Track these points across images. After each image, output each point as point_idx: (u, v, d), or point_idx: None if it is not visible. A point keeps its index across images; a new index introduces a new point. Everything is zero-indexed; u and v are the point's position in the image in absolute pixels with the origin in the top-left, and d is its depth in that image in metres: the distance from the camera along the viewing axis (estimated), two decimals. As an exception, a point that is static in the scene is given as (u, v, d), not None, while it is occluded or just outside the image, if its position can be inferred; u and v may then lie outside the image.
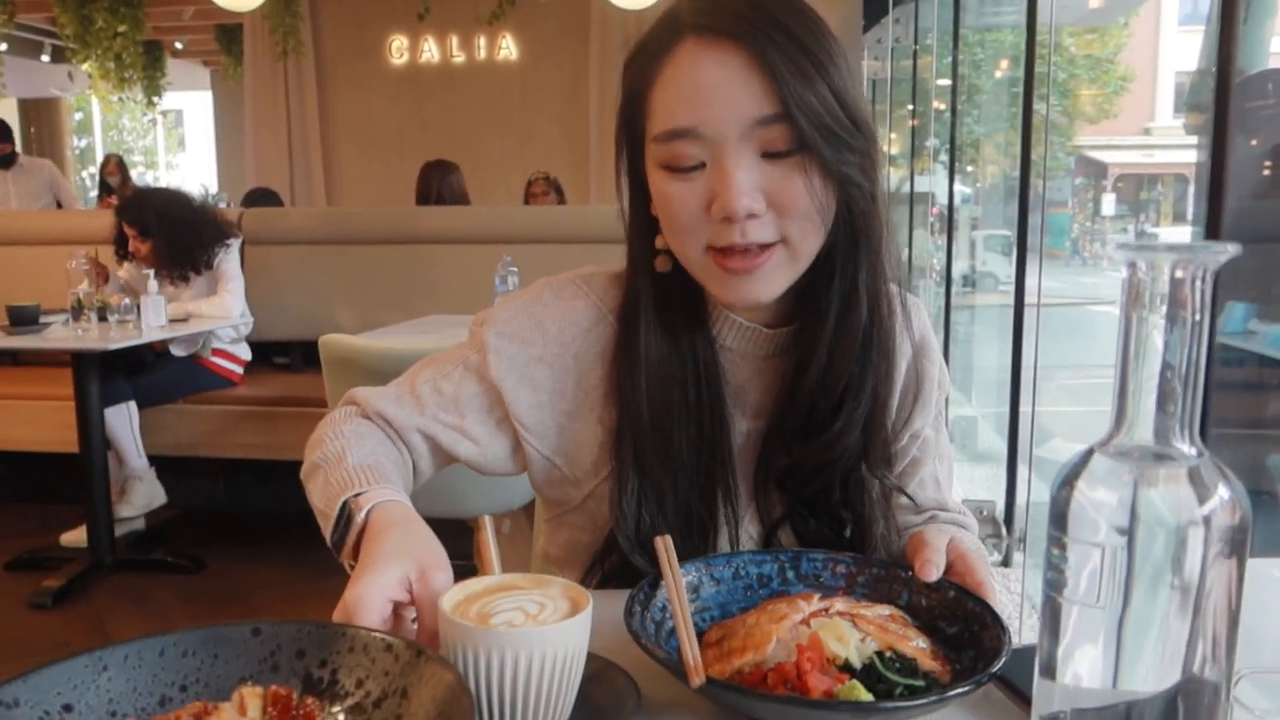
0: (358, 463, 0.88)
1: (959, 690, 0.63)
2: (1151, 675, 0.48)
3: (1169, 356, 0.47)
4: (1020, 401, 3.40)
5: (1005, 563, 3.11)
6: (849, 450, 0.94)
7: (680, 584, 0.75)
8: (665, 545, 0.80)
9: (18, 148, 7.26)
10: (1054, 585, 0.50)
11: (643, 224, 0.94)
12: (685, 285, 0.93)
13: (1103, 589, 0.48)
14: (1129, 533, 0.46)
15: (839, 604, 0.75)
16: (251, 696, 0.58)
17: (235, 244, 3.88)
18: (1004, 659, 0.67)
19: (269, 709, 0.58)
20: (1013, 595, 2.81)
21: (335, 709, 0.60)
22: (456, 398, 0.98)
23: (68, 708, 0.57)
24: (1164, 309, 0.47)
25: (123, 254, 3.75)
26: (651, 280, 0.95)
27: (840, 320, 0.92)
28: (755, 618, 0.73)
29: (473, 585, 0.68)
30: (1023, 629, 2.44)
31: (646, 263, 0.94)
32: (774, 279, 0.88)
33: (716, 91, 0.82)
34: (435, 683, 0.58)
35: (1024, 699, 0.70)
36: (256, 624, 0.63)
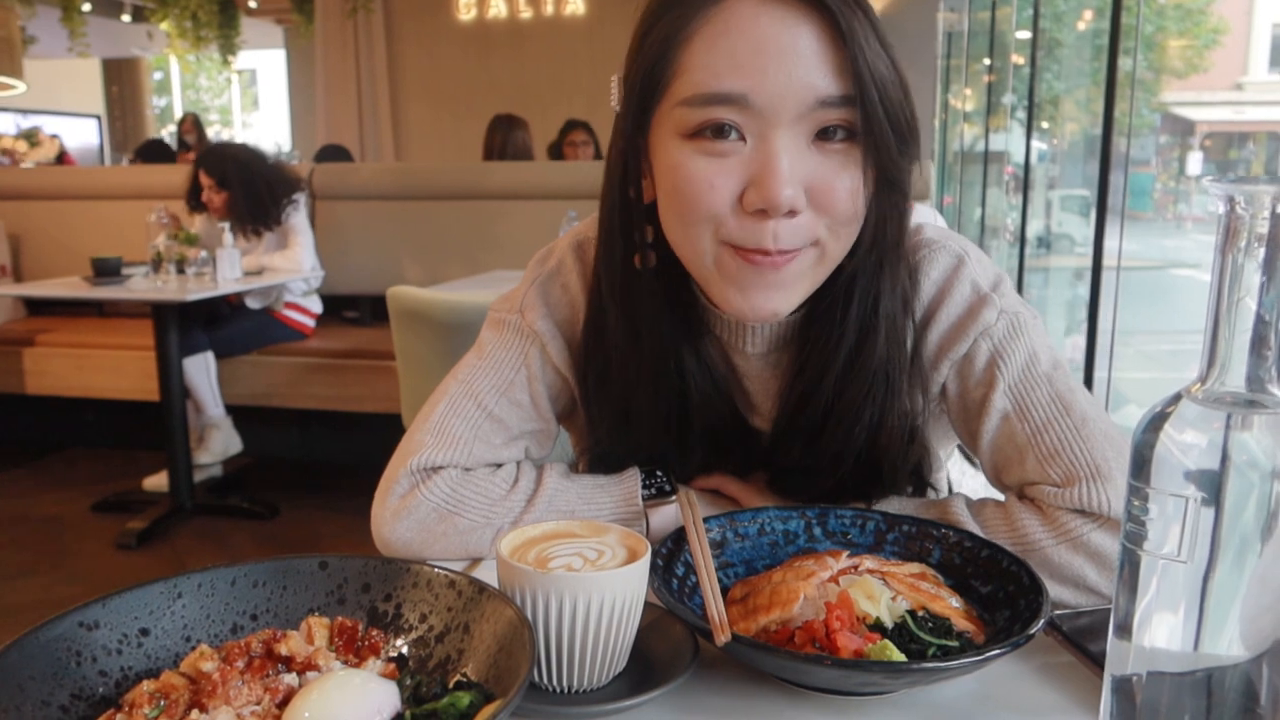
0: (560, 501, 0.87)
1: (996, 651, 0.60)
2: (1237, 639, 0.46)
3: (1265, 298, 0.44)
4: (1095, 367, 3.30)
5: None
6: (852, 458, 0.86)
7: (704, 539, 0.73)
8: (689, 499, 0.78)
9: (101, 110, 7.42)
10: (1133, 538, 0.48)
11: (625, 208, 0.81)
12: (670, 281, 0.83)
13: (1185, 542, 0.46)
14: (1218, 482, 0.44)
15: (868, 561, 0.72)
16: (319, 626, 0.59)
17: (302, 199, 3.95)
18: (1043, 620, 0.63)
19: (335, 639, 0.59)
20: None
21: (399, 641, 0.61)
22: (535, 402, 0.92)
23: (144, 631, 0.59)
24: (1261, 249, 0.44)
25: (195, 204, 3.84)
26: (627, 280, 0.83)
27: (853, 354, 0.82)
28: (781, 575, 0.71)
29: (531, 531, 0.68)
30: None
31: (624, 257, 0.83)
32: (798, 286, 0.77)
33: (780, 58, 0.70)
34: (497, 618, 0.58)
35: (1092, 659, 0.68)
36: (324, 558, 0.65)
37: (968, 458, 1.29)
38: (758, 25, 0.71)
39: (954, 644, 0.65)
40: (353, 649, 0.59)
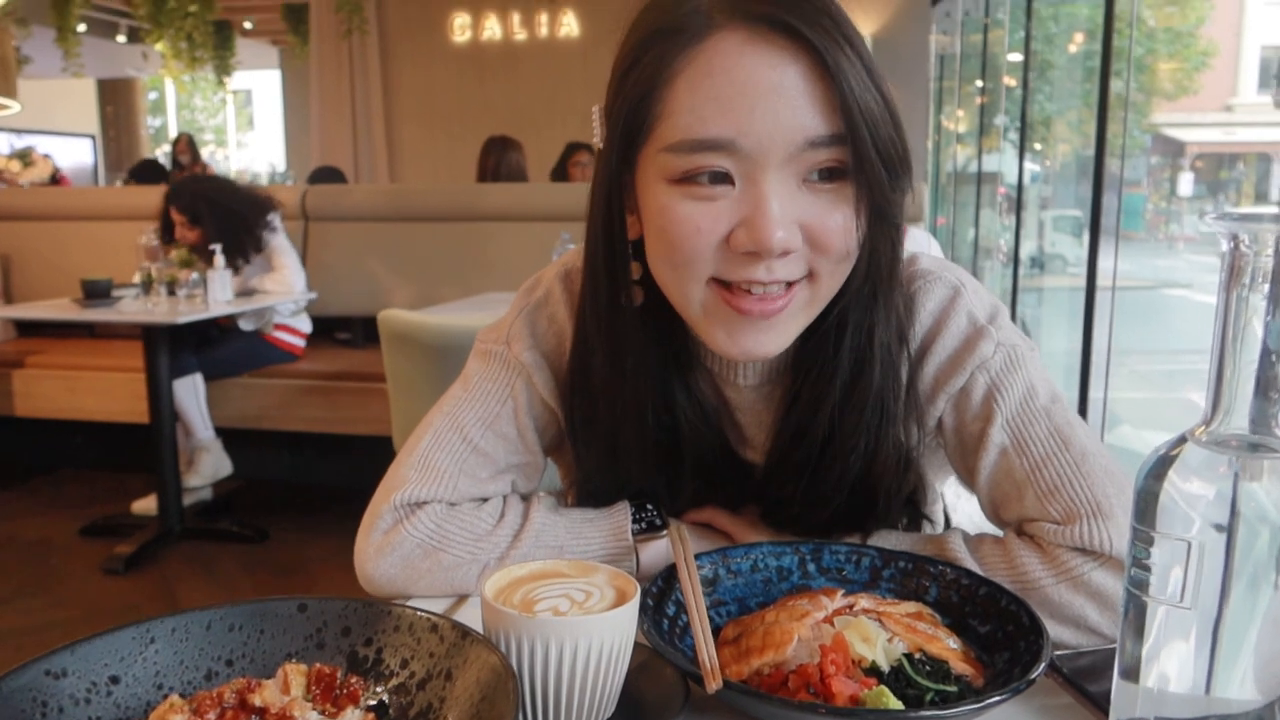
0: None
1: (995, 698, 0.58)
2: (1250, 685, 0.44)
3: (1271, 339, 0.43)
4: (1090, 387, 3.29)
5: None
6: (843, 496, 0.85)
7: (695, 576, 0.71)
8: (680, 535, 0.76)
9: (96, 130, 7.44)
10: (1138, 583, 0.46)
11: (613, 248, 0.79)
12: (659, 320, 0.81)
13: (1189, 588, 0.45)
14: (1228, 529, 0.43)
15: (864, 601, 0.70)
16: (295, 674, 0.57)
17: (277, 218, 3.89)
18: (1044, 663, 0.61)
19: (312, 687, 0.57)
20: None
21: (379, 689, 0.59)
22: (522, 435, 0.90)
23: (115, 679, 0.57)
24: (1266, 286, 0.43)
25: (168, 239, 3.79)
26: (613, 318, 0.81)
27: (849, 386, 0.81)
28: (775, 614, 0.69)
29: (516, 571, 0.66)
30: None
31: (610, 296, 0.80)
32: (790, 326, 0.76)
33: (767, 99, 0.68)
34: (480, 665, 0.56)
35: (1094, 701, 0.66)
36: (303, 600, 0.63)
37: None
38: (742, 65, 0.69)
39: (952, 689, 0.63)
40: (330, 697, 0.56)
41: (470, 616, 0.64)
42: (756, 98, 0.68)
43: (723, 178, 0.70)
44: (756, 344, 0.75)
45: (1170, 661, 0.46)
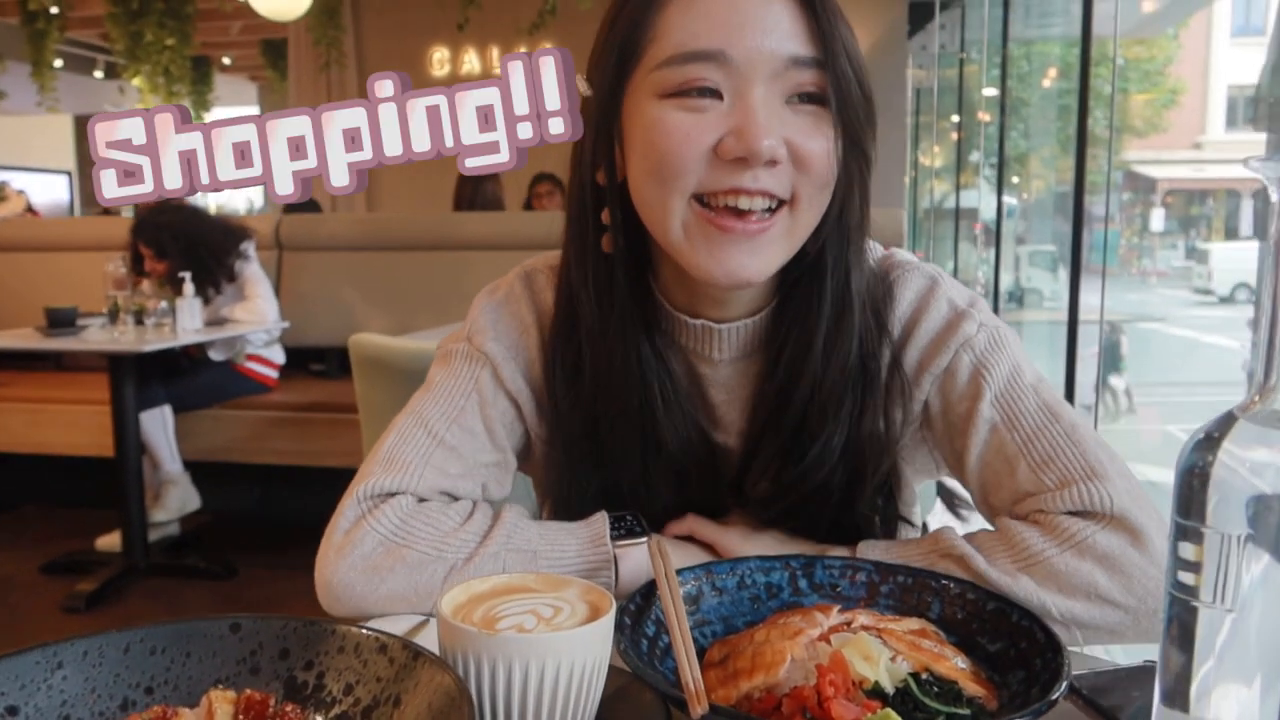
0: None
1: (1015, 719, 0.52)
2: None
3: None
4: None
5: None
6: (832, 480, 0.83)
7: (677, 592, 0.66)
8: (660, 549, 0.71)
9: (72, 166, 7.36)
10: (1183, 588, 0.40)
11: (596, 190, 0.82)
12: (633, 276, 0.83)
13: (1239, 588, 0.39)
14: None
15: (862, 617, 0.65)
16: (221, 702, 0.50)
17: (251, 247, 3.82)
18: (1065, 681, 0.56)
19: (240, 717, 0.50)
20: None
21: (319, 718, 0.53)
22: (490, 430, 0.87)
23: (12, 710, 0.50)
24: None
25: (139, 271, 3.71)
26: (596, 263, 0.83)
27: (831, 331, 0.81)
28: (765, 633, 0.63)
29: (477, 586, 0.59)
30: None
31: (594, 241, 0.83)
32: (771, 252, 0.77)
33: (754, 16, 0.73)
34: (432, 688, 0.50)
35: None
36: (237, 618, 0.56)
37: (948, 504, 1.22)
38: None
39: (965, 712, 0.56)
40: (261, 728, 0.49)
41: (430, 641, 0.58)
42: (745, 15, 0.73)
43: (712, 93, 0.74)
44: (740, 265, 0.76)
45: (1226, 682, 0.40)
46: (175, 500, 3.68)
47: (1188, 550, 0.40)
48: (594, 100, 0.79)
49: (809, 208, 0.77)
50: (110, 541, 3.53)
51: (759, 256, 0.76)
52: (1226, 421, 0.39)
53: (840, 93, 0.74)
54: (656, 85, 0.75)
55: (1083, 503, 0.73)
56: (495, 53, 7.65)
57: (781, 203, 0.76)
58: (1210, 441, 0.39)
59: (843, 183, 0.78)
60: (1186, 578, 0.40)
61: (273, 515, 4.10)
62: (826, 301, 0.81)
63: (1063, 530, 0.72)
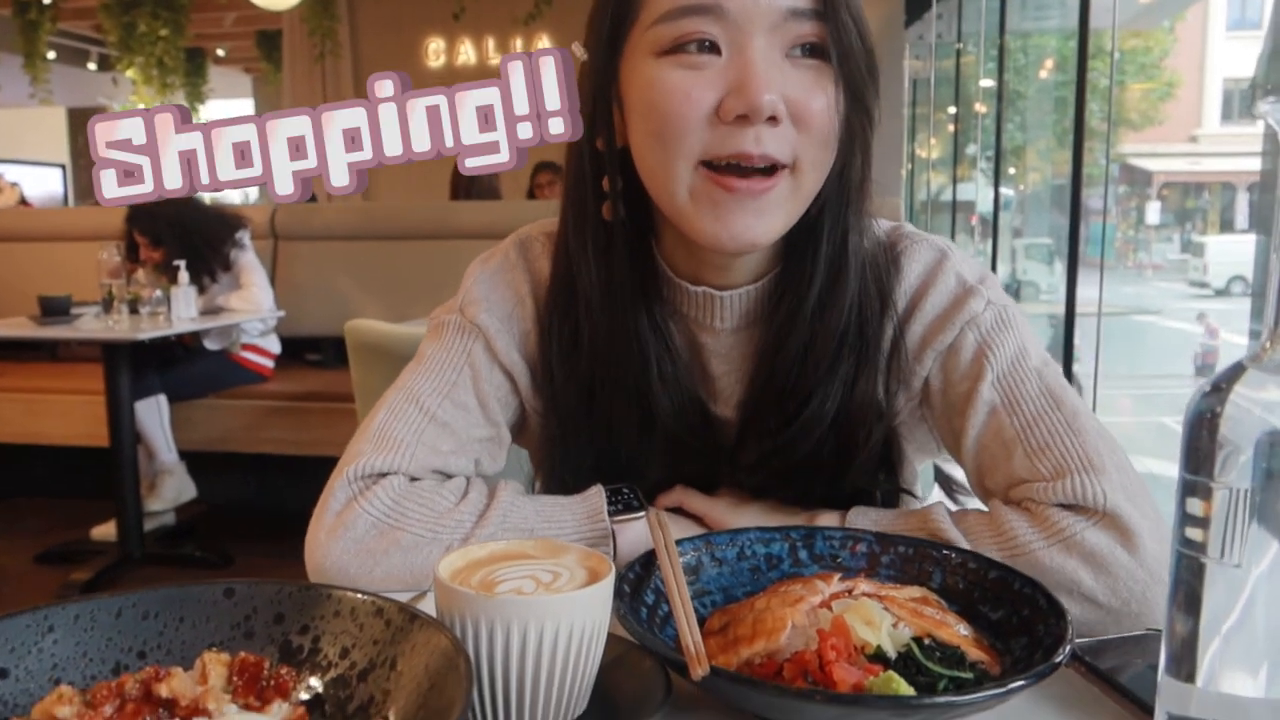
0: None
1: (1019, 682, 0.52)
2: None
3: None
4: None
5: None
6: (821, 450, 0.82)
7: (677, 562, 0.65)
8: (659, 520, 0.71)
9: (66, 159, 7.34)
10: (1191, 544, 0.39)
11: (595, 157, 0.80)
12: (634, 243, 0.82)
13: (1247, 543, 0.38)
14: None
15: (864, 585, 0.64)
16: (215, 664, 0.49)
17: (246, 236, 3.80)
18: (1068, 644, 0.55)
19: (234, 678, 0.49)
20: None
21: (314, 680, 0.52)
22: (483, 404, 0.86)
23: (2, 673, 0.49)
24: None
25: (134, 259, 3.70)
26: (597, 231, 0.81)
27: (826, 290, 0.79)
28: (765, 601, 0.63)
29: (476, 551, 0.59)
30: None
31: (595, 209, 0.81)
32: (777, 215, 0.74)
33: None
34: (429, 650, 0.49)
35: (1121, 691, 0.59)
36: (230, 584, 0.55)
37: (946, 491, 1.21)
38: None
39: (968, 675, 0.56)
40: (255, 690, 0.49)
41: (427, 610, 0.57)
42: None
43: (710, 47, 0.72)
44: (745, 228, 0.74)
45: (1233, 641, 0.39)
46: (170, 490, 3.67)
47: (1195, 506, 0.39)
48: (590, 64, 0.78)
49: (811, 170, 0.75)
50: (105, 531, 3.52)
51: (764, 219, 0.74)
52: (1236, 371, 0.39)
53: (841, 45, 0.72)
54: (653, 43, 0.73)
55: (1075, 496, 0.72)
56: (491, 44, 7.62)
57: (784, 165, 0.74)
58: (1219, 391, 0.38)
59: (845, 140, 0.76)
60: (1194, 534, 0.39)
61: (268, 505, 4.09)
62: (821, 258, 0.79)
63: (1052, 524, 0.71)
